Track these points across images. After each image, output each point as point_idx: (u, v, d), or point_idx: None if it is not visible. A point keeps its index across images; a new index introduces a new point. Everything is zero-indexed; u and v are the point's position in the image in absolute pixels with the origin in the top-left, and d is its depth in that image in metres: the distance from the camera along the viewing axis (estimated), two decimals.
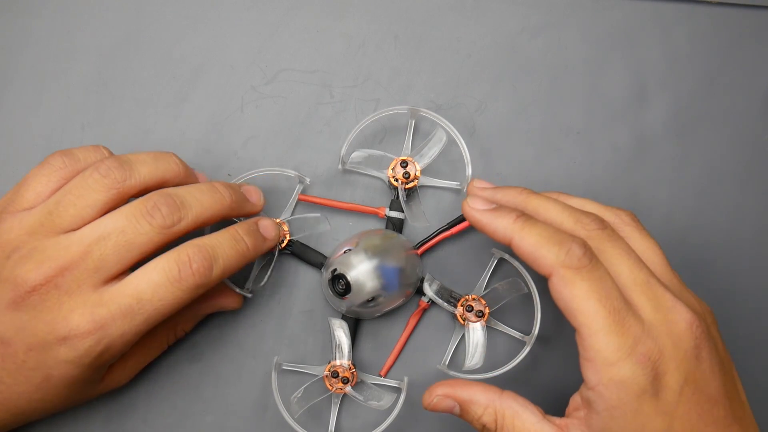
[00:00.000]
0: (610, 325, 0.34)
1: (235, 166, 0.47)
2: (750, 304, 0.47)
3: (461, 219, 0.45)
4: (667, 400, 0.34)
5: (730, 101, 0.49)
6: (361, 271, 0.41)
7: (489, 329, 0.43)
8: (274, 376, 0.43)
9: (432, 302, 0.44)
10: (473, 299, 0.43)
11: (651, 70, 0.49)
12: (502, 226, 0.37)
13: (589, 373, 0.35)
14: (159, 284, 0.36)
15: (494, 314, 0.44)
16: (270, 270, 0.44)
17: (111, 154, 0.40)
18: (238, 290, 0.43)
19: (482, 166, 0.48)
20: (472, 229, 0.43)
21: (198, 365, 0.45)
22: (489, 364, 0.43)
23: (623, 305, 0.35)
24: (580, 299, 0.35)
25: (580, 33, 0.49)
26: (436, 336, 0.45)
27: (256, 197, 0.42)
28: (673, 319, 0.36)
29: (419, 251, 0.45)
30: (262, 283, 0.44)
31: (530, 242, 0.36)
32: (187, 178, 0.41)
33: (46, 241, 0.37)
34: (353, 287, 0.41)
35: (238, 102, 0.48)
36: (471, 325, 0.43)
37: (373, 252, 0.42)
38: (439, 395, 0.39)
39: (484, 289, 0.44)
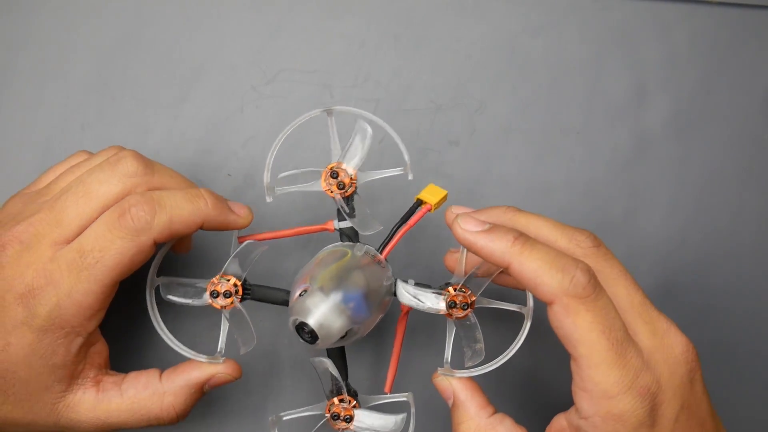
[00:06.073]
0: (612, 358, 0.33)
1: (235, 166, 0.47)
2: (750, 304, 0.47)
3: (414, 208, 0.40)
4: (663, 430, 0.34)
5: (730, 101, 0.49)
6: (322, 313, 0.36)
7: (484, 310, 0.39)
8: None
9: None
10: (455, 290, 0.38)
11: (651, 70, 0.49)
12: (499, 249, 0.35)
13: (584, 403, 0.34)
14: (99, 234, 0.36)
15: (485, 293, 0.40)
16: (249, 329, 0.39)
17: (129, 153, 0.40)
18: (204, 359, 0.39)
19: (482, 167, 0.48)
20: (430, 215, 0.40)
21: None
22: (493, 347, 0.40)
23: (625, 336, 0.34)
24: (584, 330, 0.33)
25: (580, 33, 0.49)
26: (433, 331, 0.45)
27: (242, 211, 0.40)
28: (670, 344, 0.35)
29: (383, 255, 0.40)
30: (248, 348, 0.39)
31: (532, 267, 0.34)
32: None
33: (32, 205, 0.38)
34: (319, 333, 0.36)
35: (238, 102, 0.48)
36: (459, 320, 0.39)
37: (330, 286, 0.36)
38: (442, 379, 0.39)
39: (465, 274, 0.39)
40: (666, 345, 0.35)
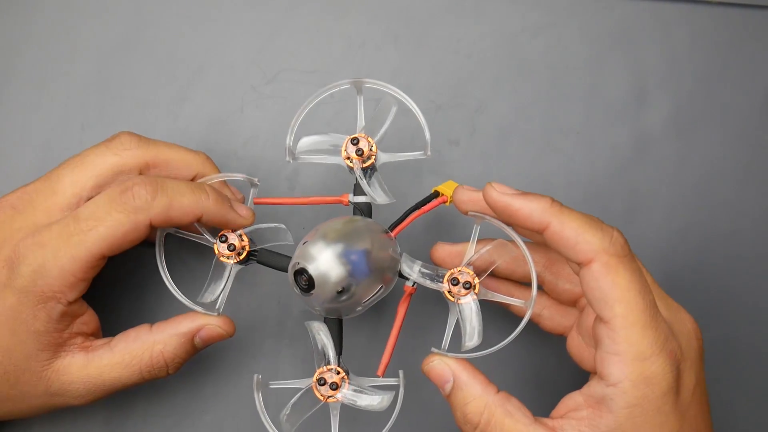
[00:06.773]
0: (648, 319, 0.33)
1: (235, 166, 0.47)
2: (749, 304, 0.47)
3: (430, 198, 0.41)
4: (683, 401, 0.34)
5: (730, 101, 0.49)
6: (323, 260, 0.36)
7: (484, 302, 0.39)
8: (258, 397, 0.39)
9: (418, 284, 0.40)
10: (459, 271, 0.38)
11: (651, 70, 0.49)
12: (537, 209, 0.35)
13: (615, 368, 0.33)
14: (98, 204, 0.37)
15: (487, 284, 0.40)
16: (224, 286, 0.39)
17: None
18: (200, 309, 0.39)
19: (482, 166, 0.48)
20: (443, 205, 0.41)
21: (198, 365, 0.45)
22: (486, 339, 0.39)
23: (654, 300, 0.34)
24: (623, 289, 0.33)
25: (580, 33, 0.49)
26: (434, 319, 0.44)
27: (244, 212, 0.40)
28: (682, 320, 0.36)
29: (393, 233, 0.40)
30: (217, 305, 0.39)
31: (572, 226, 0.34)
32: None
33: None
34: (317, 280, 0.36)
35: (238, 102, 0.48)
36: (462, 300, 0.38)
37: (334, 237, 0.37)
38: (439, 362, 0.37)
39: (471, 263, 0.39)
40: (679, 319, 0.36)
